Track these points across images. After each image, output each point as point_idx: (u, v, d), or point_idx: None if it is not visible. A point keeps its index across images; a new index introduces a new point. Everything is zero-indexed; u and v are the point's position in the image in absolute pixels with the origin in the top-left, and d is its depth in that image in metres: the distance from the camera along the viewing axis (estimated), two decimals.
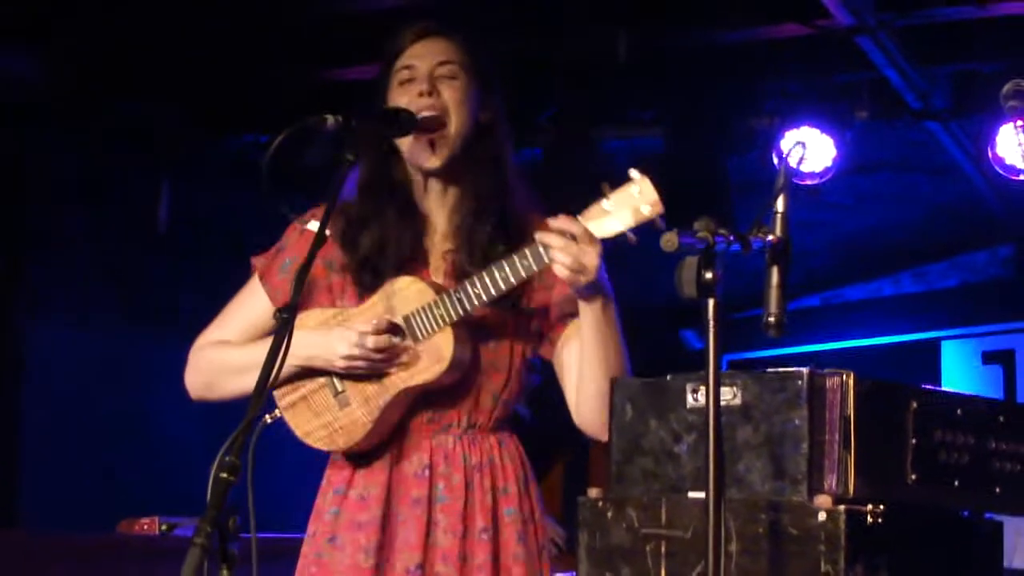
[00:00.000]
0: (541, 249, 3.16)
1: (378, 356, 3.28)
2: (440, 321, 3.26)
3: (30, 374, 6.90)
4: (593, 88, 6.87)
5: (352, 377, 3.35)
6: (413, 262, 3.41)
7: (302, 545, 3.44)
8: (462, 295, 3.24)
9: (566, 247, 3.12)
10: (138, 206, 7.42)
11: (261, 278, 3.51)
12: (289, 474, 4.22)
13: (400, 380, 3.30)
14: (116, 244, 7.31)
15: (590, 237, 3.12)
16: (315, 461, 3.54)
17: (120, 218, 7.32)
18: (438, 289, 3.30)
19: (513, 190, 3.43)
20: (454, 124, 3.37)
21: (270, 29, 6.46)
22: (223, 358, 3.49)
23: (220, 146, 7.55)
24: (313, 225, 3.35)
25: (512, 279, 3.21)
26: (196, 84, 6.91)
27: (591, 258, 3.12)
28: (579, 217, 3.12)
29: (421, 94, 3.35)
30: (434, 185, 3.43)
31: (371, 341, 3.28)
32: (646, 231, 3.05)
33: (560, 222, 3.13)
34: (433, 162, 3.37)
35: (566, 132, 6.89)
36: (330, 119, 3.14)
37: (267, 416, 3.32)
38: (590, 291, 3.20)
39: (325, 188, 3.38)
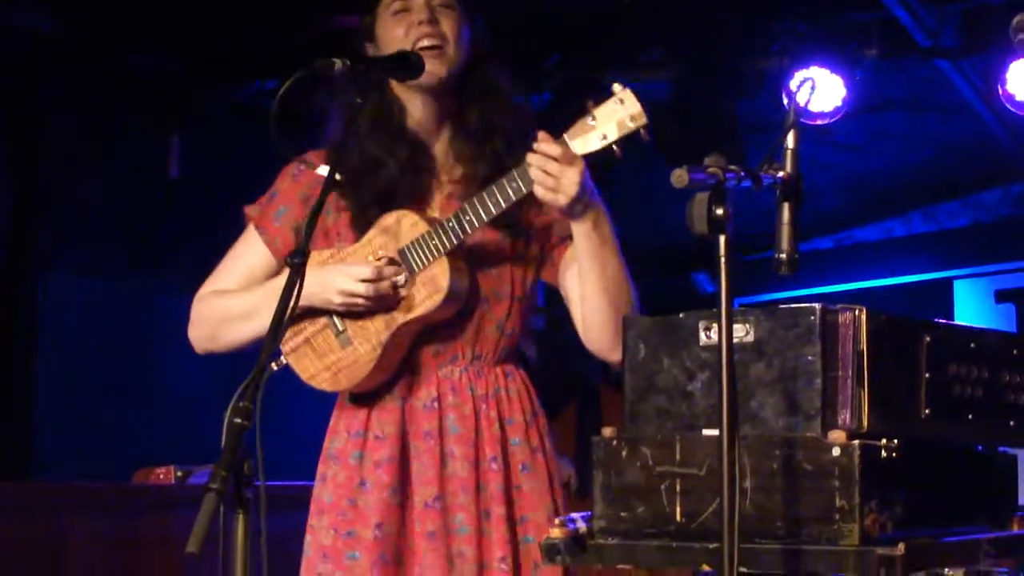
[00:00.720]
0: (528, 170, 3.17)
1: (374, 290, 3.28)
2: (435, 251, 3.26)
3: (44, 326, 6.91)
4: (600, 32, 6.84)
5: (352, 316, 3.35)
6: (422, 197, 3.41)
7: (318, 490, 3.44)
8: (454, 223, 3.24)
9: (544, 166, 3.12)
10: (148, 157, 7.41)
11: (257, 226, 3.51)
12: (300, 421, 4.23)
13: (399, 314, 3.30)
14: (127, 196, 7.32)
15: (569, 157, 3.11)
16: (326, 407, 3.54)
17: (131, 170, 7.32)
18: (431, 220, 3.29)
19: (518, 116, 3.42)
20: (452, 51, 3.36)
21: None
22: (225, 306, 3.49)
23: (227, 94, 7.53)
24: (324, 169, 3.34)
25: (502, 202, 3.20)
26: (202, 33, 6.89)
27: (569, 178, 3.11)
28: (565, 134, 3.12)
29: (421, 23, 3.34)
30: (429, 116, 3.42)
31: (367, 272, 3.28)
32: (655, 174, 3.05)
33: (540, 144, 3.13)
34: (431, 72, 3.32)
35: (573, 77, 6.87)
36: (338, 63, 3.13)
37: (273, 363, 3.32)
38: (576, 210, 3.18)
39: (334, 132, 3.39)
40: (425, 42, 3.33)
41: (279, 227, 3.47)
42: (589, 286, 3.28)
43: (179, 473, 5.52)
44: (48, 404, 6.87)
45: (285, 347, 3.43)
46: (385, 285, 3.29)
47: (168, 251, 7.50)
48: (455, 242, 3.25)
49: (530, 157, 3.14)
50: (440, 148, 3.44)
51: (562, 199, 3.14)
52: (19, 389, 6.86)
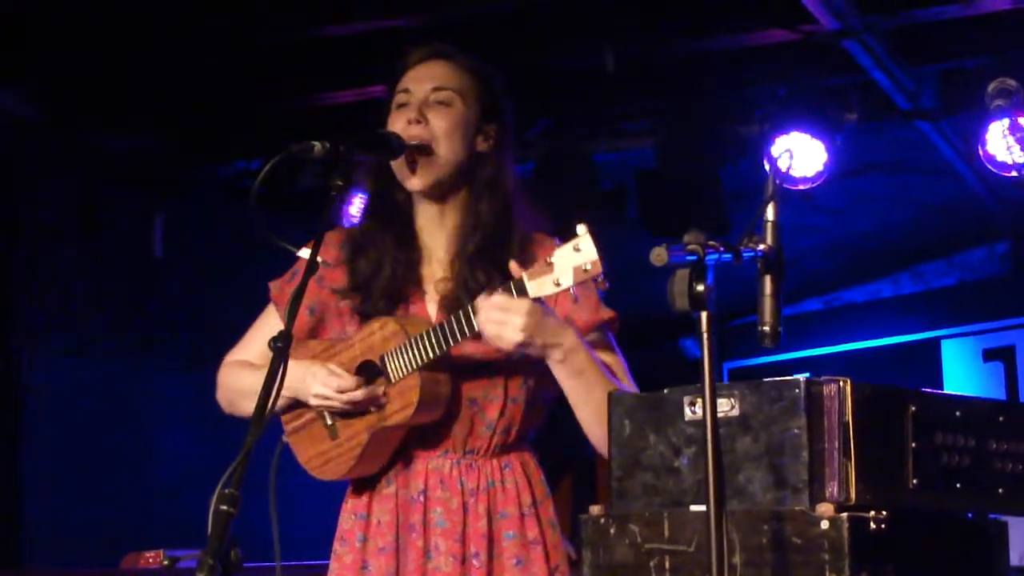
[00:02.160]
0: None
1: (344, 399, 3.30)
2: (410, 365, 3.27)
3: (28, 408, 6.89)
4: (584, 101, 6.87)
5: (341, 414, 3.37)
6: (409, 291, 3.41)
7: (331, 568, 3.46)
8: (432, 341, 3.24)
9: (487, 315, 3.14)
10: (132, 236, 7.41)
11: (275, 303, 3.55)
12: (306, 500, 4.22)
13: (376, 420, 3.32)
14: (111, 275, 7.31)
15: (514, 307, 3.13)
16: (331, 487, 3.55)
17: (114, 249, 7.32)
18: (411, 330, 3.29)
19: (518, 216, 3.42)
20: (442, 151, 3.36)
21: (259, 54, 6.46)
22: (238, 380, 3.52)
23: (211, 174, 7.55)
24: (305, 252, 3.36)
25: (459, 336, 3.22)
26: (185, 113, 6.91)
27: (512, 325, 3.13)
28: (524, 273, 3.12)
29: (409, 121, 3.35)
30: (430, 211, 3.43)
31: (335, 384, 3.31)
32: (639, 243, 3.05)
33: (483, 297, 3.15)
34: (414, 184, 3.36)
35: (558, 146, 6.89)
36: (317, 146, 3.14)
37: (284, 437, 3.37)
38: (530, 351, 3.20)
39: (319, 214, 3.39)
40: (412, 141, 3.33)
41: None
42: (577, 410, 3.30)
43: (165, 562, 5.48)
44: (35, 485, 6.83)
45: (288, 427, 3.47)
46: (358, 395, 3.30)
47: (154, 330, 7.49)
48: (429, 359, 3.26)
49: (476, 302, 3.17)
50: (444, 241, 3.44)
51: (507, 345, 3.16)
52: (5, 470, 6.82)
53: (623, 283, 3.40)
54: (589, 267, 3.04)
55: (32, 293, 7.03)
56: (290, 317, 2.92)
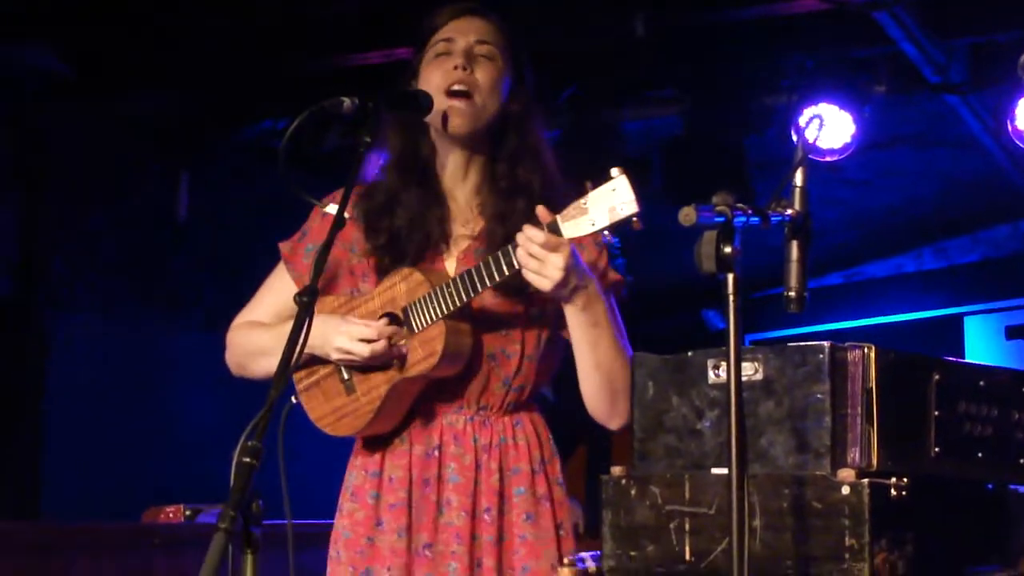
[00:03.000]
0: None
1: (370, 351, 3.30)
2: (434, 314, 3.27)
3: (53, 365, 6.93)
4: (611, 68, 6.85)
5: (359, 367, 3.37)
6: (435, 246, 3.42)
7: (338, 523, 3.46)
8: (454, 290, 3.24)
9: (529, 250, 3.12)
10: (157, 196, 7.43)
11: (286, 262, 3.54)
12: (312, 460, 4.23)
13: (397, 371, 3.32)
14: (136, 235, 7.34)
15: (554, 243, 3.11)
16: (336, 447, 3.55)
17: (140, 209, 7.34)
18: (435, 282, 3.29)
19: (549, 178, 3.42)
20: (484, 102, 3.36)
21: (285, 15, 6.45)
22: (251, 340, 3.52)
23: (238, 133, 7.55)
24: (333, 208, 3.36)
25: (496, 275, 3.21)
26: (212, 73, 6.91)
27: (553, 263, 3.11)
28: (558, 216, 3.11)
29: (456, 67, 3.34)
30: (455, 163, 3.43)
31: (364, 332, 3.30)
32: (663, 212, 3.04)
33: (527, 229, 3.13)
34: (455, 127, 3.35)
35: (584, 113, 6.88)
36: (346, 101, 3.14)
37: (292, 397, 3.35)
38: (562, 294, 3.19)
39: (344, 171, 3.39)
40: (455, 87, 3.33)
41: (307, 264, 3.48)
42: (582, 361, 3.30)
43: (188, 512, 5.52)
44: (57, 443, 6.87)
45: (300, 385, 3.47)
46: (381, 346, 3.30)
47: (177, 290, 7.52)
48: (454, 307, 3.26)
49: (518, 237, 3.15)
50: (465, 198, 3.45)
51: (546, 283, 3.14)
52: (28, 428, 6.86)
53: (647, 252, 3.40)
54: (624, 208, 3.02)
55: (57, 253, 7.06)
56: (316, 271, 2.92)
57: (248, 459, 2.60)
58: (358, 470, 3.46)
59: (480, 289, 3.23)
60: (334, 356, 3.35)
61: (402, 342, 3.32)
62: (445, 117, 3.35)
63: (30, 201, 6.95)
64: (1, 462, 6.80)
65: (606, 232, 3.08)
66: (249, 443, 2.61)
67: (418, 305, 3.29)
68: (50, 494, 6.84)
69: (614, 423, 3.30)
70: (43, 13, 6.32)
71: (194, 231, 7.54)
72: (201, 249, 7.56)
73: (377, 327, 3.31)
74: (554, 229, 3.12)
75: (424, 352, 3.29)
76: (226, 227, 7.59)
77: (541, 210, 3.15)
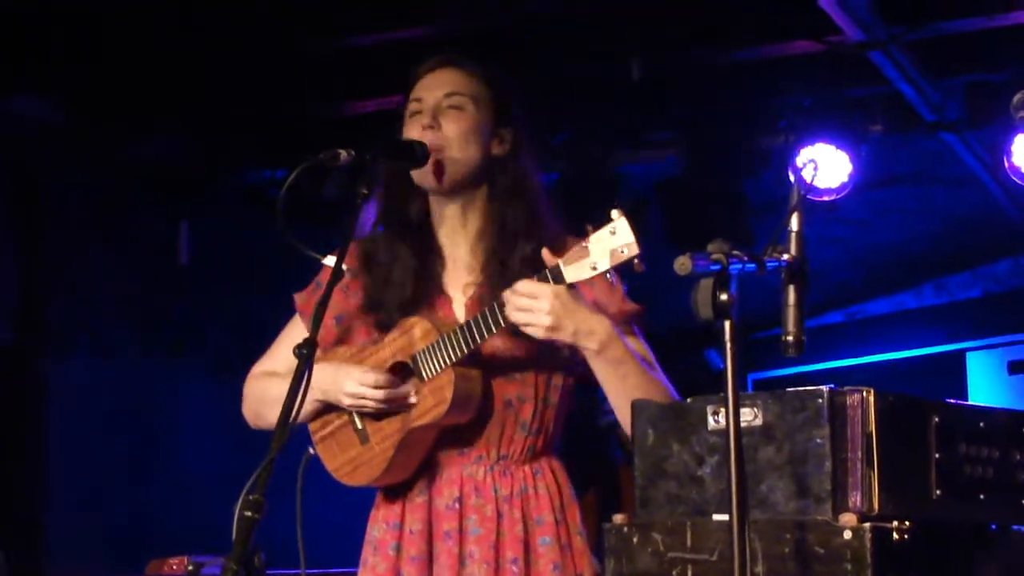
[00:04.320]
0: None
1: (380, 396, 3.31)
2: (442, 362, 3.28)
3: (53, 412, 6.92)
4: (607, 111, 6.87)
5: (370, 415, 3.38)
6: (433, 297, 3.43)
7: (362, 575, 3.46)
8: (461, 336, 3.25)
9: (516, 302, 3.15)
10: (157, 242, 7.45)
11: (300, 313, 3.56)
12: (319, 510, 4.23)
13: (408, 420, 3.32)
14: (136, 280, 7.34)
15: (535, 292, 3.14)
16: (344, 498, 3.56)
17: (140, 254, 7.35)
18: (443, 328, 3.30)
19: (542, 217, 3.43)
20: (457, 154, 3.38)
21: (287, 63, 6.48)
22: (265, 389, 3.53)
23: (236, 181, 7.57)
24: (330, 261, 3.37)
25: (493, 327, 3.22)
26: (213, 120, 6.94)
27: (539, 311, 3.14)
28: (560, 259, 3.13)
29: (423, 127, 3.37)
30: (452, 214, 3.45)
31: (371, 379, 3.32)
32: (664, 254, 3.05)
33: (520, 284, 3.16)
34: (432, 184, 3.38)
35: (580, 157, 6.89)
36: (343, 154, 3.16)
37: (309, 448, 3.37)
38: (562, 339, 3.20)
39: (343, 223, 3.41)
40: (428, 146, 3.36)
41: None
42: (615, 401, 3.29)
43: (190, 567, 5.50)
44: (58, 490, 6.86)
45: (315, 436, 3.48)
46: (391, 393, 3.31)
47: (179, 336, 7.52)
48: (462, 354, 3.27)
49: (503, 293, 3.19)
50: (469, 244, 3.46)
51: (539, 331, 3.17)
52: (29, 475, 6.85)
53: (646, 295, 3.41)
54: (626, 250, 3.04)
55: (57, 298, 7.06)
56: (315, 324, 2.94)
57: (249, 513, 2.61)
58: (379, 523, 3.46)
59: (484, 337, 3.24)
60: (345, 401, 3.36)
61: (413, 389, 3.33)
62: (420, 177, 3.39)
63: (29, 247, 6.95)
64: (2, 509, 6.78)
65: (609, 275, 3.09)
66: (251, 496, 2.62)
67: (427, 353, 3.30)
68: (52, 542, 6.82)
69: None
70: (40, 60, 6.34)
71: (196, 276, 7.55)
72: (203, 294, 7.57)
73: (386, 377, 3.32)
74: (556, 274, 3.14)
75: (434, 400, 3.29)
76: (228, 272, 7.60)
77: (546, 254, 3.18)
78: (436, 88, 3.42)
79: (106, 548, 6.66)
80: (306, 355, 2.85)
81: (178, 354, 7.46)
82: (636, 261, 3.03)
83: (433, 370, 3.29)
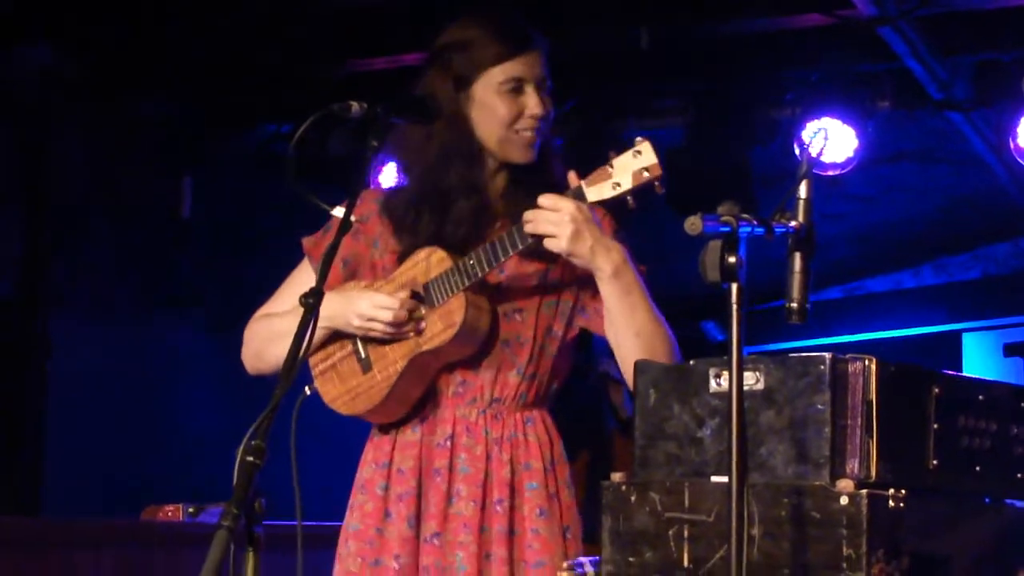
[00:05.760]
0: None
1: (390, 317, 3.33)
2: (454, 287, 3.32)
3: (56, 365, 6.94)
4: (615, 79, 6.88)
5: (375, 343, 3.41)
6: (448, 252, 3.45)
7: (347, 519, 3.49)
8: (474, 261, 3.30)
9: (539, 216, 3.21)
10: (160, 197, 7.45)
11: (309, 256, 3.58)
12: (316, 461, 4.25)
13: (415, 345, 3.36)
14: (139, 235, 7.35)
15: (557, 203, 3.19)
16: (340, 449, 3.57)
17: (142, 209, 7.35)
18: (456, 257, 3.34)
19: (560, 180, 3.47)
20: (545, 135, 3.45)
21: (292, 19, 6.47)
22: (269, 326, 3.55)
23: (240, 137, 7.58)
24: (339, 211, 3.38)
25: (517, 243, 3.26)
26: (218, 77, 6.94)
27: (563, 219, 3.18)
28: (582, 180, 3.20)
29: (535, 116, 3.41)
30: (490, 172, 3.48)
31: (386, 300, 3.35)
32: (665, 223, 3.08)
33: (544, 198, 3.22)
34: (520, 158, 3.43)
35: (588, 124, 6.90)
36: (355, 105, 3.17)
37: (307, 388, 3.39)
38: (582, 256, 3.23)
39: (348, 177, 3.42)
40: (529, 135, 3.42)
41: None
42: (620, 333, 3.32)
43: (190, 510, 5.53)
44: (59, 441, 6.88)
45: (315, 370, 3.51)
46: (402, 314, 3.34)
47: (179, 290, 7.53)
48: (473, 279, 3.30)
49: (527, 213, 3.23)
50: (495, 193, 3.50)
51: (559, 241, 3.20)
52: (30, 427, 6.88)
53: (647, 264, 3.43)
54: (648, 171, 3.12)
55: (59, 253, 7.07)
56: (322, 274, 2.94)
57: (251, 458, 2.61)
58: (368, 464, 3.50)
59: (500, 258, 3.28)
60: (355, 323, 3.39)
61: (423, 312, 3.35)
62: (509, 151, 3.43)
63: (32, 202, 6.96)
64: (3, 460, 6.81)
65: (629, 197, 3.14)
66: (253, 442, 2.62)
67: (440, 280, 3.35)
68: (52, 492, 6.85)
69: None
70: (45, 14, 6.34)
71: (197, 232, 7.55)
72: (204, 250, 7.58)
73: (399, 298, 3.35)
74: (579, 194, 3.21)
75: (443, 324, 3.33)
76: (229, 228, 7.61)
77: (571, 175, 3.24)
78: (535, 67, 3.46)
79: (105, 496, 6.68)
80: (312, 304, 2.86)
81: (178, 309, 7.47)
82: (657, 184, 3.08)
83: (444, 296, 3.33)
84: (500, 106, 3.43)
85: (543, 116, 3.43)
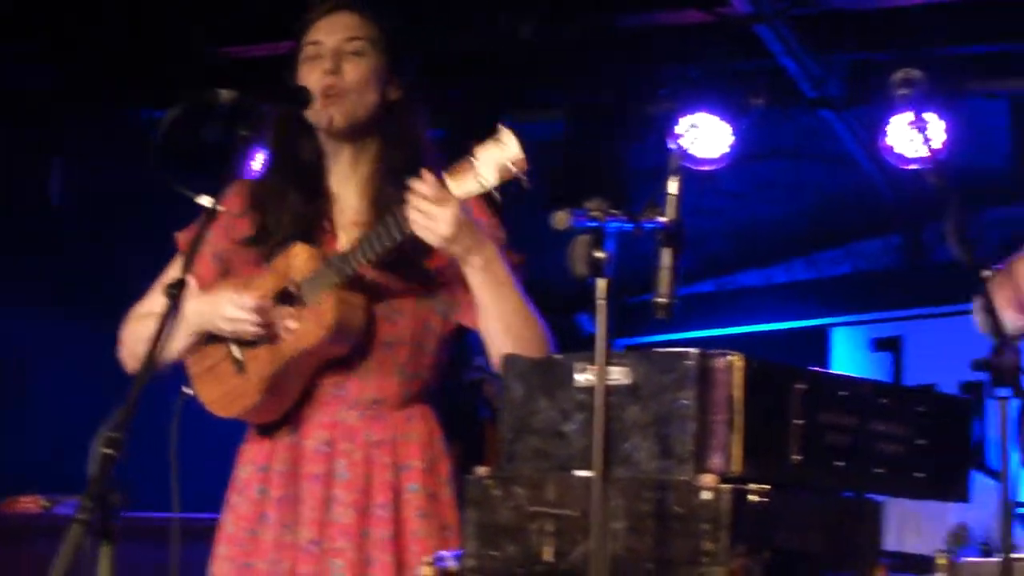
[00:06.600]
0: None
1: (258, 318, 3.29)
2: (327, 284, 3.27)
3: None
4: (495, 71, 6.87)
5: (249, 344, 3.37)
6: (319, 237, 3.42)
7: (223, 519, 3.46)
8: (343, 259, 3.26)
9: (418, 205, 3.16)
10: (27, 181, 7.31)
11: (182, 253, 3.53)
12: (198, 454, 4.20)
13: (288, 347, 3.31)
14: (6, 220, 7.21)
15: (441, 196, 3.14)
16: (210, 443, 3.53)
17: (7, 194, 7.21)
18: (326, 256, 3.30)
19: (430, 167, 3.44)
20: (357, 99, 3.38)
21: (173, 4, 6.40)
22: (141, 328, 3.48)
23: (115, 121, 7.46)
24: (207, 200, 3.33)
25: (386, 240, 3.23)
26: (94, 59, 6.83)
27: (442, 217, 3.14)
28: (445, 173, 3.15)
29: (325, 72, 3.35)
30: (343, 158, 3.44)
31: (249, 302, 3.30)
32: (540, 215, 3.07)
33: (415, 183, 3.17)
34: (332, 123, 3.37)
35: (465, 116, 6.88)
36: (224, 94, 3.13)
37: (184, 388, 3.34)
38: (455, 249, 3.21)
39: (223, 165, 3.38)
40: (328, 92, 3.36)
41: (202, 255, 3.46)
42: (491, 324, 3.31)
43: (45, 503, 5.45)
44: None
45: (192, 371, 3.47)
46: (269, 316, 3.29)
47: (48, 278, 7.39)
48: (344, 277, 3.26)
49: (408, 195, 3.17)
50: (358, 190, 3.46)
51: (435, 237, 3.17)
52: None
53: (523, 254, 3.43)
54: (513, 164, 3.07)
55: None
56: (187, 263, 2.91)
57: (108, 450, 2.58)
58: (246, 464, 3.46)
59: (372, 255, 3.24)
60: (224, 327, 3.34)
61: (292, 316, 3.31)
62: (319, 118, 3.37)
63: None
64: None
65: (495, 191, 3.10)
66: (109, 434, 2.59)
67: (312, 278, 3.30)
68: None
69: None
70: None
71: (64, 217, 7.42)
72: (69, 237, 7.45)
73: (264, 297, 3.31)
74: None
75: (316, 324, 3.29)
76: (97, 214, 7.49)
77: (425, 172, 3.17)
78: (336, 32, 3.41)
79: None
80: (176, 295, 2.82)
81: (39, 294, 7.34)
82: (523, 178, 3.05)
83: (317, 294, 3.28)
84: (306, 77, 3.39)
85: (330, 71, 3.36)
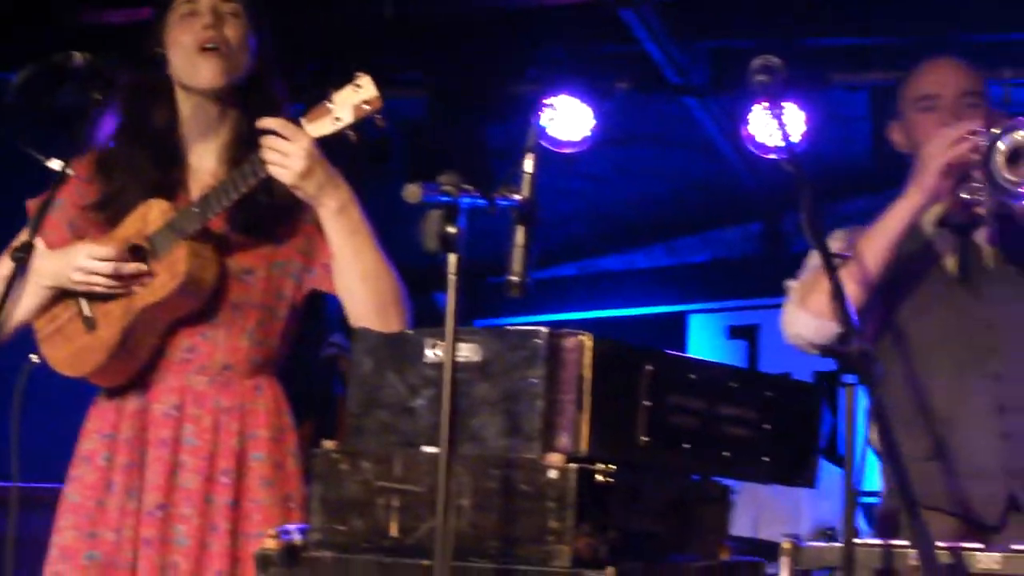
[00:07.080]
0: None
1: (108, 269, 3.25)
2: (178, 235, 3.25)
3: None
4: (357, 47, 6.82)
5: (99, 300, 3.33)
6: (171, 202, 3.38)
7: (66, 491, 3.42)
8: (196, 207, 3.24)
9: (270, 142, 3.18)
10: None
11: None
12: (43, 423, 4.14)
13: (140, 299, 3.28)
14: None
15: (293, 131, 3.17)
16: (70, 411, 3.48)
17: None
18: (178, 208, 3.27)
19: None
20: (235, 57, 3.39)
21: None
22: None
23: None
24: (55, 164, 3.28)
25: (240, 185, 3.24)
26: None
27: (294, 151, 3.16)
28: (302, 117, 3.18)
29: (206, 27, 3.33)
30: (206, 123, 3.42)
31: (101, 252, 3.27)
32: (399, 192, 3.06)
33: (265, 119, 3.20)
34: (206, 80, 3.37)
35: (326, 91, 6.83)
36: (77, 56, 3.10)
37: (32, 356, 3.29)
38: (308, 188, 3.22)
39: (74, 128, 3.33)
40: (208, 44, 3.35)
41: (54, 221, 3.42)
42: (348, 276, 3.31)
43: None
44: None
45: (41, 334, 3.42)
46: (120, 267, 3.26)
47: None
48: (197, 226, 3.24)
49: (261, 138, 3.19)
50: (216, 154, 3.44)
51: (288, 174, 3.18)
52: None
53: (382, 231, 3.41)
54: (368, 104, 3.12)
55: None
56: (34, 226, 2.87)
57: None
58: (91, 435, 3.42)
59: (227, 202, 3.23)
60: (75, 277, 3.30)
61: (146, 267, 3.27)
62: (197, 74, 3.35)
63: None
64: None
65: (350, 132, 3.11)
66: None
67: (163, 231, 3.28)
68: None
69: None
70: None
71: None
72: None
73: (117, 248, 3.27)
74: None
75: (168, 275, 3.27)
76: None
77: (276, 119, 3.20)
78: None
79: None
80: (22, 258, 2.77)
81: None
82: (378, 117, 3.07)
83: (168, 246, 3.25)
84: (179, 34, 3.37)
85: (212, 25, 3.36)
